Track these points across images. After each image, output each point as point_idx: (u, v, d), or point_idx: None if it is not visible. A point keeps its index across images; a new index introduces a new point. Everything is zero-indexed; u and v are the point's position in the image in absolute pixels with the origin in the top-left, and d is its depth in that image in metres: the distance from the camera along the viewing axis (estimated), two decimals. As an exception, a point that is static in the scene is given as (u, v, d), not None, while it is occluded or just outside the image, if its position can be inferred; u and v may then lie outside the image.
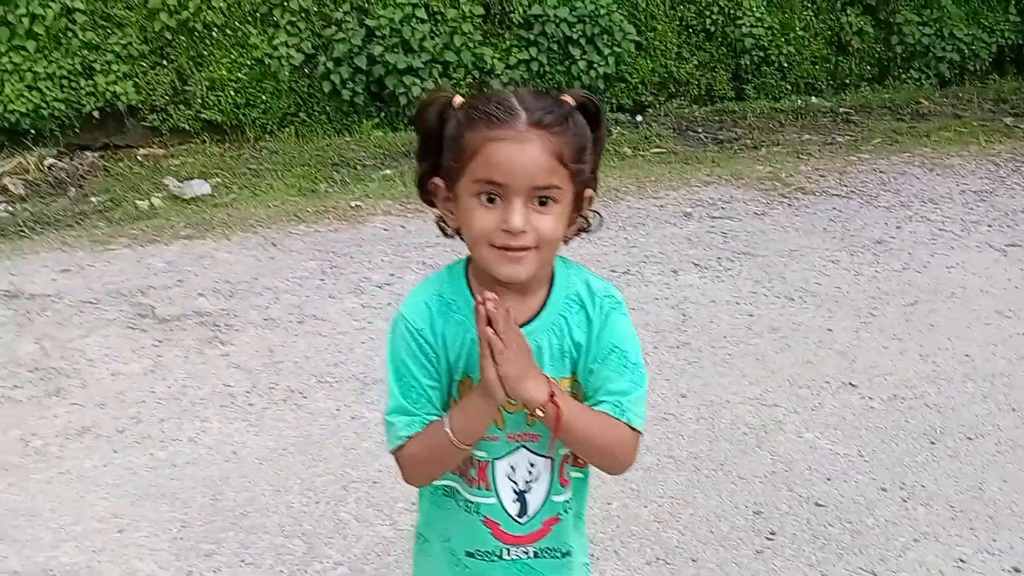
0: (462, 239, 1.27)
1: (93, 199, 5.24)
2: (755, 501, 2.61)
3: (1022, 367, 3.35)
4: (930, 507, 2.59)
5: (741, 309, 3.78)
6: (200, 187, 5.23)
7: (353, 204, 4.97)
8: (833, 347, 3.49)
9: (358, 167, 5.81)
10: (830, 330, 3.63)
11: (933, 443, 2.89)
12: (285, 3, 6.27)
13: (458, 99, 1.24)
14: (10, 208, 5.13)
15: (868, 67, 7.92)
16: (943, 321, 3.68)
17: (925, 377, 3.27)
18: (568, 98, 1.24)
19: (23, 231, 4.75)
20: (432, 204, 1.29)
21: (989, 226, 4.66)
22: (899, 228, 4.65)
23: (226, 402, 3.12)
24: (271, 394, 3.17)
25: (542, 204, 1.18)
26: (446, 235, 1.30)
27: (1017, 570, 2.36)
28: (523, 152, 1.15)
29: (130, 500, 2.65)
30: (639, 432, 1.29)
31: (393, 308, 3.76)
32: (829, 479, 2.71)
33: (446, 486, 1.37)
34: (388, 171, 5.66)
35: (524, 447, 1.32)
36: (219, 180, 5.45)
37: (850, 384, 3.23)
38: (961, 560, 2.39)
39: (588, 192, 1.26)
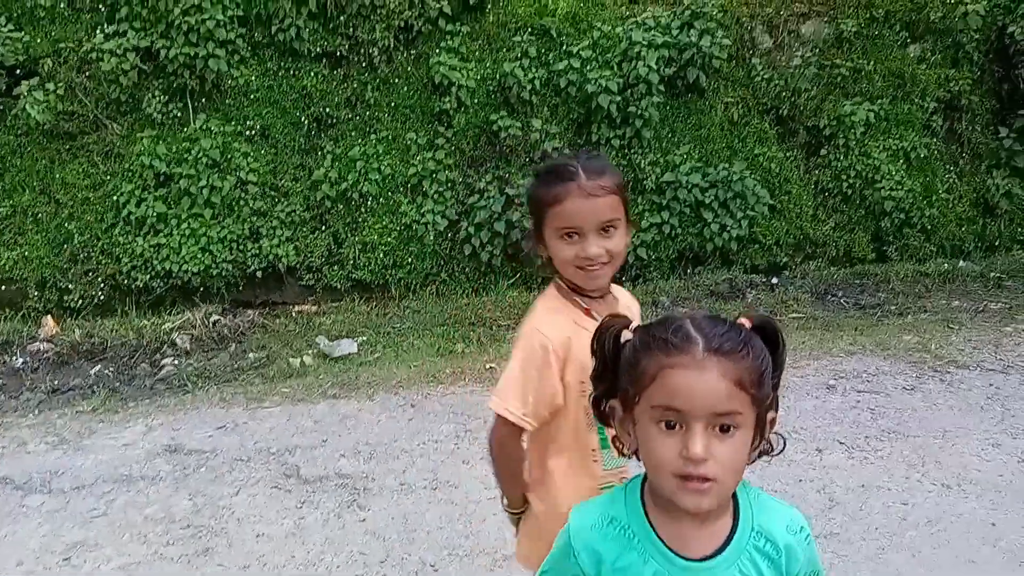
0: (638, 459, 1.28)
1: (251, 355, 5.61)
2: None
3: None
4: None
5: (894, 496, 3.54)
6: (348, 347, 5.52)
7: (488, 366, 5.10)
8: (999, 544, 3.20)
9: (493, 327, 5.99)
10: (994, 524, 3.34)
11: None
12: (434, 175, 6.74)
13: (633, 324, 1.30)
14: (176, 363, 5.55)
15: (1019, 229, 7.62)
16: None
17: (1111, 587, 2.94)
18: (745, 321, 1.25)
19: (186, 386, 5.11)
20: (606, 423, 1.33)
21: None
22: (1067, 408, 4.31)
23: (360, 571, 3.15)
24: (404, 565, 3.18)
25: (723, 431, 1.17)
26: (621, 454, 1.33)
27: None
28: (701, 379, 1.16)
29: (265, 670, 2.69)
30: None
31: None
32: None
33: None
34: (522, 332, 5.80)
35: None
36: (365, 339, 5.74)
37: (1021, 589, 2.94)
38: None
39: (771, 415, 1.25)
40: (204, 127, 6.65)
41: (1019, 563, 3.09)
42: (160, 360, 5.57)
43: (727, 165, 7.08)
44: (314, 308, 6.70)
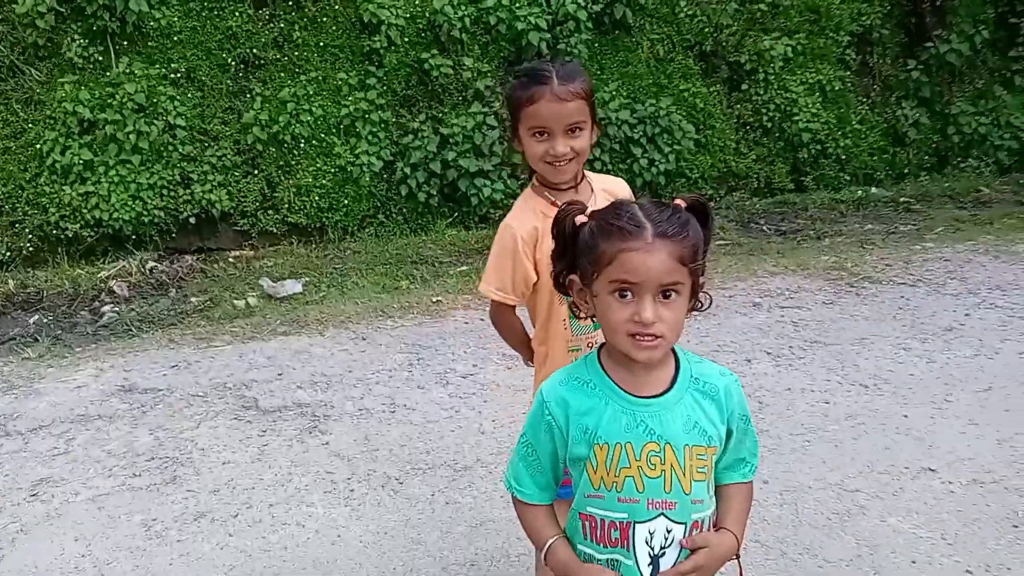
0: (594, 321, 1.53)
1: (193, 299, 5.62)
2: (843, 585, 2.68)
3: (1104, 452, 3.36)
4: (1019, 591, 2.62)
5: (817, 397, 3.88)
6: (292, 286, 5.58)
7: (434, 300, 5.25)
8: (910, 433, 3.56)
9: (435, 264, 6.12)
10: (906, 416, 3.69)
11: (1016, 527, 2.91)
12: (366, 116, 6.75)
13: (589, 209, 1.53)
14: (116, 309, 5.52)
15: (926, 157, 8.08)
16: (1019, 406, 3.72)
17: (1003, 461, 3.31)
18: (680, 202, 1.49)
19: (131, 330, 5.11)
20: (566, 293, 1.58)
21: (1060, 311, 4.70)
22: (968, 315, 4.71)
23: (328, 488, 3.31)
24: (369, 480, 3.36)
25: (666, 297, 1.43)
26: (578, 317, 1.60)
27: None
28: (652, 258, 1.41)
29: (246, 581, 2.83)
30: None
31: (477, 397, 4.00)
32: (914, 562, 2.76)
33: (585, 553, 1.57)
34: (464, 267, 5.95)
35: (663, 515, 1.52)
36: (308, 279, 5.81)
37: (929, 469, 3.28)
38: (1053, 644, 2.42)
39: (702, 280, 1.52)
40: (127, 71, 6.48)
41: (927, 448, 3.45)
42: (99, 308, 5.53)
43: (654, 101, 7.29)
44: (251, 253, 6.69)
